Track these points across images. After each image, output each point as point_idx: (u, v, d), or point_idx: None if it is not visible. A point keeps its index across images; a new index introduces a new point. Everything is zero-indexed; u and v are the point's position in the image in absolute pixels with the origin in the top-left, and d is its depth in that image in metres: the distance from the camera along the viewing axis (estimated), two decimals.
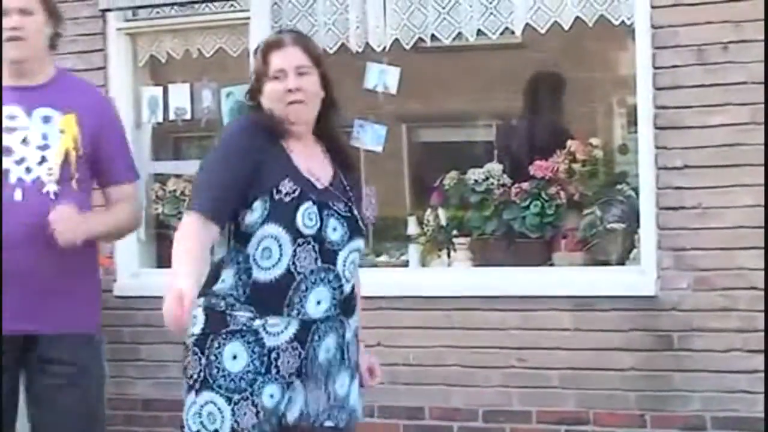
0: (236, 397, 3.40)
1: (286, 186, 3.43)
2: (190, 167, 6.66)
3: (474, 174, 6.09)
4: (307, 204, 3.44)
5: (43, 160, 3.97)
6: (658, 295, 5.49)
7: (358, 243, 3.56)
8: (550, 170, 5.92)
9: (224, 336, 3.42)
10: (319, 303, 3.45)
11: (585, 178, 5.91)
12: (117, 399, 6.39)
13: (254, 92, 3.56)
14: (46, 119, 4.01)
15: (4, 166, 3.94)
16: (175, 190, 6.62)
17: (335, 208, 3.51)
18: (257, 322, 3.41)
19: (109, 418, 6.38)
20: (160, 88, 6.60)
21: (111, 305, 6.36)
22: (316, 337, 3.47)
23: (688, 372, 5.45)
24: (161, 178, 6.68)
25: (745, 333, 5.34)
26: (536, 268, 5.87)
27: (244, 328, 3.41)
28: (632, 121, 5.83)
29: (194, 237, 3.34)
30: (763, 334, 5.27)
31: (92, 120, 4.05)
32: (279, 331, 3.43)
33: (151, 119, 6.61)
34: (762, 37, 5.25)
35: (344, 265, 3.49)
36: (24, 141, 3.98)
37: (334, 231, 3.48)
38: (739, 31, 5.32)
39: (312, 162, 3.55)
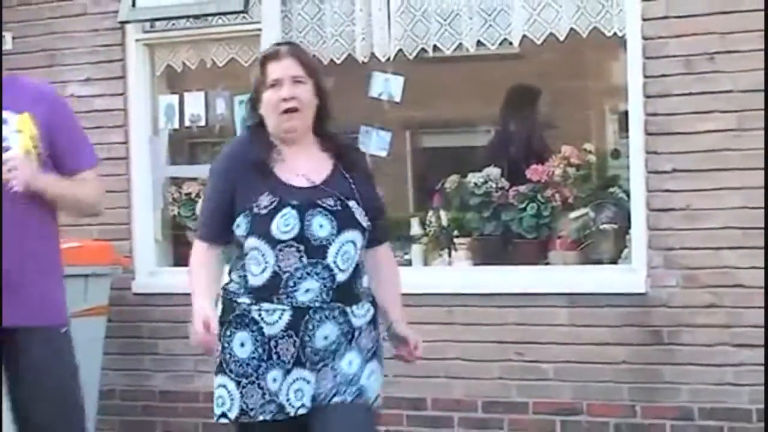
0: (244, 381, 3.55)
1: (265, 200, 3.53)
2: (204, 171, 6.63)
3: (474, 178, 6.09)
4: (285, 210, 3.51)
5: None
6: (648, 293, 5.48)
7: (351, 234, 3.55)
8: (545, 174, 5.91)
9: (234, 325, 3.57)
10: (308, 291, 3.52)
11: (579, 182, 5.91)
12: (136, 390, 6.48)
13: (254, 102, 3.64)
14: (2, 121, 3.92)
15: None
16: (190, 193, 6.61)
17: (323, 204, 3.53)
18: (254, 308, 3.54)
19: (129, 408, 6.44)
20: (176, 97, 6.61)
21: (129, 302, 6.44)
22: (310, 327, 3.53)
23: (677, 365, 5.44)
24: (177, 182, 6.69)
25: (732, 328, 5.34)
26: (533, 267, 5.85)
27: (245, 314, 3.56)
28: (624, 127, 5.82)
29: (202, 262, 3.66)
30: (748, 329, 5.28)
31: (45, 115, 3.95)
32: (275, 320, 3.53)
33: (168, 126, 6.62)
34: (746, 48, 5.24)
35: (336, 257, 3.52)
36: None
37: (321, 227, 3.52)
38: (725, 43, 5.32)
39: (305, 163, 3.60)
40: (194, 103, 6.57)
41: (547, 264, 5.90)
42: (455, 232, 6.13)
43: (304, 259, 3.51)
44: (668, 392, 5.45)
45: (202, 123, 6.59)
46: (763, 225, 5.21)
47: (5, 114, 3.93)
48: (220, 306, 3.61)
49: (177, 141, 6.75)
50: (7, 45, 6.62)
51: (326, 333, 3.55)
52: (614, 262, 5.76)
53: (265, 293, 3.54)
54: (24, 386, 3.96)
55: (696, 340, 5.40)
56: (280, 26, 6.20)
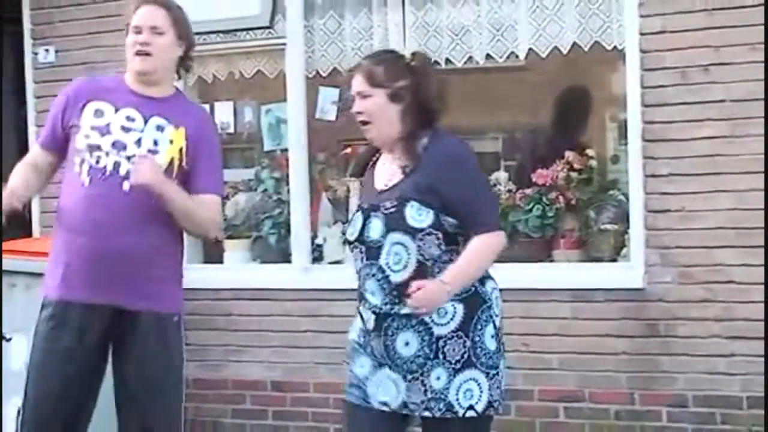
0: (348, 358, 3.65)
1: (356, 206, 3.63)
2: (233, 175, 6.72)
3: None
4: (357, 214, 3.56)
5: None
6: (646, 288, 5.48)
7: (398, 236, 3.43)
8: (550, 178, 5.90)
9: (357, 315, 3.63)
10: (373, 294, 3.50)
11: (581, 185, 5.89)
12: None
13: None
14: (160, 128, 3.98)
15: (116, 159, 3.92)
16: None
17: (382, 207, 3.47)
18: (360, 306, 3.58)
19: None
20: (207, 106, 6.56)
21: None
22: (390, 332, 3.48)
23: (673, 356, 5.43)
24: None
25: (724, 321, 5.33)
26: (538, 264, 5.85)
27: (359, 311, 3.60)
28: (623, 134, 5.81)
29: None
30: (739, 322, 5.27)
31: (194, 134, 4.03)
32: (367, 318, 3.54)
33: None
34: (738, 60, 5.25)
35: (387, 258, 3.45)
36: (137, 142, 3.95)
37: (375, 230, 3.48)
38: (718, 55, 5.30)
39: (387, 169, 3.57)
40: (224, 112, 6.58)
41: (552, 261, 5.89)
42: None
43: (365, 260, 3.51)
44: (665, 381, 5.45)
45: (231, 130, 6.61)
46: (755, 225, 5.21)
47: (164, 121, 4.00)
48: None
49: None
50: (50, 58, 6.68)
51: (406, 339, 3.47)
52: (614, 259, 5.75)
53: (359, 294, 3.59)
54: (132, 365, 4.00)
55: (690, 333, 5.39)
56: (303, 40, 6.20)
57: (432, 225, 3.43)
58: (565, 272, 5.76)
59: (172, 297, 4.08)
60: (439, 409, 3.45)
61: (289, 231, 6.34)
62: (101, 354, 4.02)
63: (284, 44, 6.23)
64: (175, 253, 4.09)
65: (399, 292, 3.43)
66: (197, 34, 6.29)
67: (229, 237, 6.52)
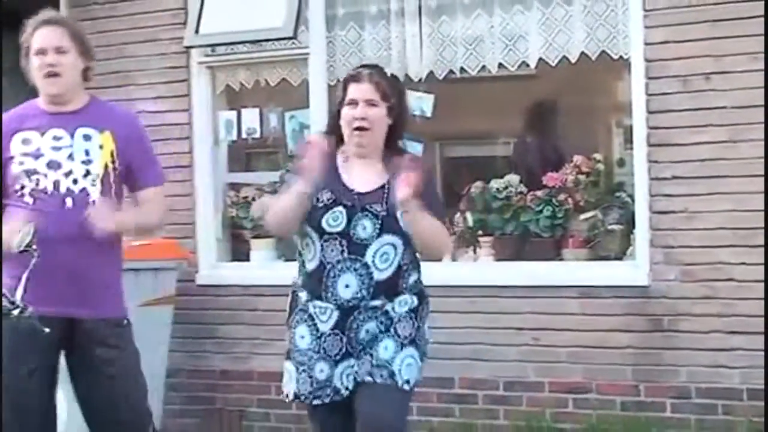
0: (300, 368, 3.64)
1: (324, 196, 3.59)
2: (259, 178, 6.76)
3: (496, 183, 6.08)
4: (338, 208, 3.57)
5: (88, 173, 3.94)
6: (650, 285, 5.47)
7: (391, 238, 3.57)
8: (559, 180, 5.90)
9: (297, 318, 3.67)
10: (347, 286, 3.57)
11: (589, 187, 5.89)
12: (199, 370, 6.44)
13: (335, 114, 3.68)
14: (87, 137, 3.95)
15: (55, 178, 3.91)
16: (246, 197, 6.61)
17: (372, 209, 3.56)
18: (310, 304, 3.61)
19: (192, 385, 6.46)
20: (234, 112, 6.62)
21: (193, 293, 6.40)
22: (354, 326, 3.59)
23: (676, 350, 5.43)
24: (235, 187, 6.69)
25: (724, 317, 5.32)
26: (548, 262, 5.85)
27: (303, 308, 3.63)
28: (629, 139, 5.80)
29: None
30: (739, 317, 5.25)
31: (123, 135, 4.01)
32: (326, 318, 3.59)
33: (227, 138, 6.63)
34: (738, 69, 5.24)
35: (374, 257, 3.56)
36: (70, 157, 3.93)
37: (364, 229, 3.56)
38: (719, 64, 5.30)
39: (368, 172, 3.63)
40: (250, 118, 6.55)
41: (561, 260, 5.88)
42: (479, 232, 6.11)
43: (345, 254, 3.56)
44: (668, 373, 5.45)
45: (257, 135, 6.57)
46: (754, 226, 5.19)
47: (89, 131, 3.98)
48: (289, 298, 3.71)
49: (235, 151, 6.75)
50: None
51: (368, 328, 3.61)
52: (620, 258, 5.74)
53: (314, 284, 3.59)
54: (90, 374, 3.99)
55: (693, 328, 5.39)
56: (325, 50, 6.18)
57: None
58: (573, 270, 5.75)
59: (117, 302, 4.06)
60: (381, 376, 3.55)
61: None
62: (54, 357, 4.00)
63: (307, 54, 6.25)
64: (116, 261, 4.08)
65: (376, 288, 3.55)
66: (225, 44, 6.45)
67: (256, 236, 6.55)
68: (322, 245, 3.57)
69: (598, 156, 6.03)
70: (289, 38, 6.17)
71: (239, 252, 6.62)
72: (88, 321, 3.94)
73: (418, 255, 3.70)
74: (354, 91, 3.61)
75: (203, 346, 6.45)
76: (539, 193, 5.95)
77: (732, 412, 5.30)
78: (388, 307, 3.60)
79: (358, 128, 3.59)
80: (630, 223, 5.69)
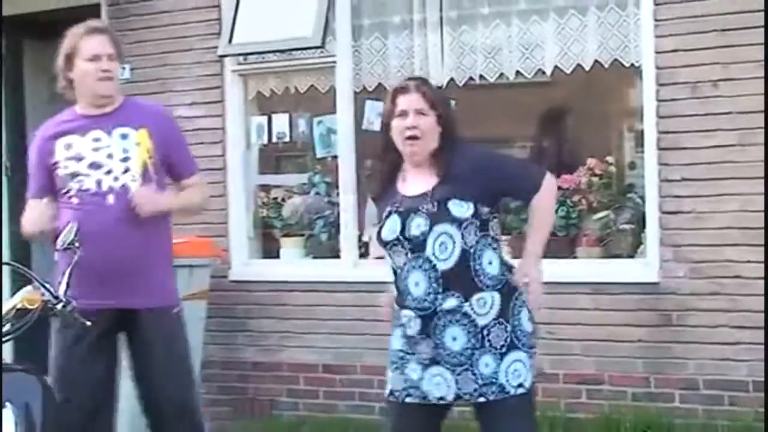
0: (393, 366, 3.63)
1: (385, 210, 3.60)
2: (288, 179, 6.80)
3: None
4: (393, 217, 3.55)
5: (127, 170, 4.05)
6: (660, 282, 5.48)
7: (444, 227, 3.47)
8: (573, 182, 5.91)
9: (394, 323, 3.65)
10: (417, 284, 3.51)
11: (602, 189, 5.89)
12: (231, 362, 6.47)
13: (386, 126, 3.64)
14: (124, 136, 4.07)
15: (97, 177, 4.03)
16: (276, 198, 6.66)
17: (423, 209, 3.50)
18: (400, 313, 3.58)
19: (225, 376, 6.51)
20: (265, 117, 6.66)
21: (226, 288, 6.46)
22: (437, 331, 3.51)
23: (685, 343, 5.44)
24: (266, 188, 6.73)
25: (731, 312, 5.33)
26: (563, 260, 5.81)
27: (396, 316, 3.62)
28: (640, 143, 5.80)
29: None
30: (744, 313, 5.26)
31: (157, 130, 4.13)
32: (411, 325, 3.55)
33: (258, 142, 6.68)
34: (744, 76, 5.24)
35: (433, 249, 3.48)
36: (109, 156, 4.05)
37: (418, 227, 3.50)
38: (727, 71, 5.31)
39: (417, 179, 3.59)
40: (280, 123, 6.60)
41: (575, 258, 5.88)
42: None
43: (409, 255, 3.51)
44: (677, 366, 5.46)
45: (287, 139, 6.62)
46: (759, 226, 5.20)
47: (126, 129, 4.10)
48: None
49: (266, 154, 6.79)
50: (126, 75, 6.78)
51: (453, 334, 3.50)
52: (631, 256, 5.75)
53: (398, 294, 3.58)
54: (146, 359, 4.09)
55: (700, 323, 5.40)
56: (351, 59, 6.22)
57: (473, 215, 3.50)
58: (587, 267, 5.75)
59: (167, 292, 4.15)
60: (493, 392, 3.49)
61: (338, 229, 6.37)
62: (113, 353, 4.11)
63: (334, 62, 6.28)
64: (164, 253, 4.17)
65: (444, 280, 3.48)
66: (256, 53, 6.49)
67: (285, 235, 6.60)
68: (390, 254, 3.56)
69: (610, 159, 6.03)
70: (317, 47, 6.20)
71: (269, 250, 6.67)
72: (141, 311, 4.04)
73: (494, 245, 3.58)
74: (403, 102, 3.56)
75: (235, 339, 6.49)
76: None
77: (738, 403, 5.31)
78: (467, 308, 3.50)
79: (410, 137, 3.54)
80: (641, 222, 5.70)
